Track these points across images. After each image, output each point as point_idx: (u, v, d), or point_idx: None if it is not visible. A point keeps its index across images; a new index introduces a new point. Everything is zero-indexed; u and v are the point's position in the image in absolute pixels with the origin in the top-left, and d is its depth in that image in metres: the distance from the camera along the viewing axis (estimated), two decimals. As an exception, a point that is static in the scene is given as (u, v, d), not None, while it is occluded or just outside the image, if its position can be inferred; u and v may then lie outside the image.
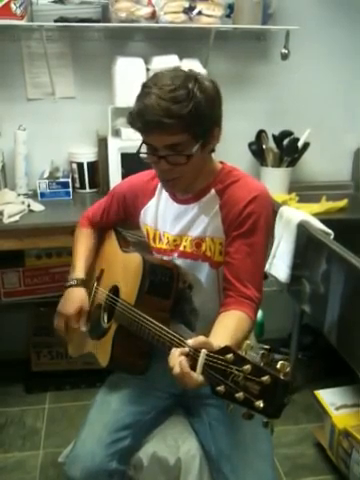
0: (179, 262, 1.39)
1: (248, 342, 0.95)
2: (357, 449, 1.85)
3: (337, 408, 2.02)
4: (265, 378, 0.87)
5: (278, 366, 0.88)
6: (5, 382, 2.50)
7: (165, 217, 1.43)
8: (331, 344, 1.83)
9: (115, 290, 1.46)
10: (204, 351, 0.99)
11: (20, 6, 2.08)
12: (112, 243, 1.58)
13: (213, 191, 1.35)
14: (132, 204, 1.53)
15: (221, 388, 0.93)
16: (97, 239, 1.65)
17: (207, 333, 1.33)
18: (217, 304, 1.36)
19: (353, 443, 1.88)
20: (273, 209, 1.35)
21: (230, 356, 0.93)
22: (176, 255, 1.40)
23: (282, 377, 0.87)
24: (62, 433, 2.21)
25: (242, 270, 1.29)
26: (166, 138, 1.21)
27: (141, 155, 1.29)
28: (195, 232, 1.37)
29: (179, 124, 1.18)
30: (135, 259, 1.38)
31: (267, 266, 2.12)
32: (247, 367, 0.90)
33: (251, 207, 1.28)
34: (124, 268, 1.44)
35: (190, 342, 1.04)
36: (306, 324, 2.50)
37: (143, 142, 1.27)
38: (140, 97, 1.23)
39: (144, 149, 1.28)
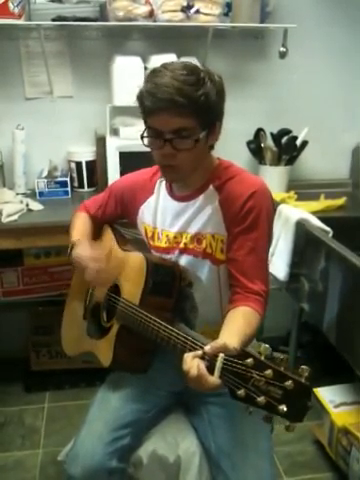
0: (180, 259, 1.39)
1: (266, 346, 0.95)
2: (356, 446, 1.86)
3: (336, 406, 2.03)
4: (288, 383, 0.88)
5: (299, 370, 0.90)
6: (4, 381, 2.50)
7: (164, 215, 1.43)
8: (330, 342, 1.83)
9: (115, 289, 1.45)
10: (222, 355, 0.99)
11: (18, 5, 2.08)
12: (109, 240, 1.57)
13: (211, 187, 1.35)
14: (130, 201, 1.52)
15: (241, 392, 0.93)
16: (94, 226, 1.63)
17: (206, 330, 1.34)
18: (217, 302, 1.36)
19: (352, 440, 1.88)
20: (273, 202, 1.35)
21: (250, 361, 0.93)
22: (177, 252, 1.39)
23: (304, 381, 0.89)
24: (61, 432, 2.21)
25: (247, 266, 1.29)
26: (174, 120, 1.20)
27: (144, 139, 1.28)
28: (194, 229, 1.36)
29: (189, 105, 1.18)
30: (138, 259, 1.38)
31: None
32: (269, 372, 0.90)
33: (251, 202, 1.28)
34: (125, 267, 1.44)
35: (207, 348, 1.03)
36: (305, 322, 2.51)
37: (147, 127, 1.26)
38: (151, 78, 1.23)
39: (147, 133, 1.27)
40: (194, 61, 2.23)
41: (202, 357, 1.03)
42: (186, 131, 1.22)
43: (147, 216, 1.47)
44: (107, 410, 1.41)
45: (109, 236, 1.59)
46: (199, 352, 1.04)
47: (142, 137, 1.28)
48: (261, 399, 0.90)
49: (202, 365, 1.02)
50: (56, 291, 2.47)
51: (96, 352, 1.47)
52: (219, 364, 0.98)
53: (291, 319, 2.52)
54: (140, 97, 1.24)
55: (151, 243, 1.46)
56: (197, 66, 1.25)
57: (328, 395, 2.08)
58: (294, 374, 0.89)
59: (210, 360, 1.01)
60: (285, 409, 0.88)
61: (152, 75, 1.23)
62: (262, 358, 0.93)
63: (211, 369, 1.00)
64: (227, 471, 1.29)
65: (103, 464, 1.32)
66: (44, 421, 2.34)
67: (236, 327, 1.17)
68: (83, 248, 1.47)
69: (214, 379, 1.00)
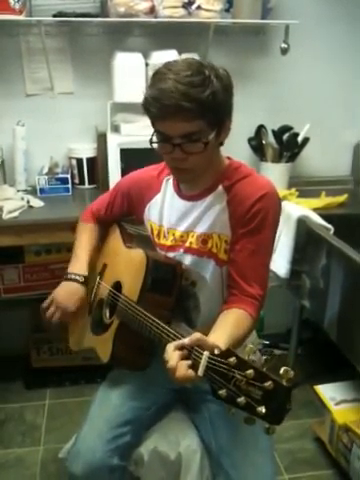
0: (184, 258, 1.38)
1: (251, 346, 0.94)
2: (357, 444, 1.86)
3: (337, 403, 2.03)
4: (267, 383, 0.87)
5: (281, 372, 0.88)
6: (5, 378, 2.50)
7: (171, 213, 1.41)
8: (331, 339, 1.83)
9: (117, 286, 1.45)
10: (206, 353, 0.98)
11: (18, 1, 2.07)
12: (116, 238, 1.57)
13: (220, 187, 1.33)
14: (137, 199, 1.51)
15: (223, 392, 0.92)
16: (100, 234, 1.63)
17: (207, 330, 1.34)
18: (220, 302, 1.35)
19: (353, 438, 1.88)
20: (281, 206, 1.33)
21: (233, 360, 0.92)
22: (182, 251, 1.38)
23: (284, 383, 0.87)
24: (62, 429, 2.21)
25: (247, 268, 1.28)
26: (182, 125, 1.18)
27: (153, 144, 1.25)
28: (202, 228, 1.35)
29: (197, 109, 1.16)
30: (138, 255, 1.37)
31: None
32: (250, 372, 0.89)
33: (259, 205, 1.27)
34: (127, 264, 1.44)
35: (186, 341, 1.04)
36: (306, 319, 2.51)
37: (155, 131, 1.24)
38: (155, 83, 1.20)
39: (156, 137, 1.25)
40: (195, 57, 2.24)
41: (181, 348, 1.04)
42: (195, 135, 1.19)
43: (153, 214, 1.46)
44: (107, 408, 1.41)
45: (116, 234, 1.59)
46: (180, 342, 1.04)
47: (151, 142, 1.25)
48: (241, 400, 0.89)
49: (181, 358, 1.02)
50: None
51: (96, 348, 1.47)
52: (203, 362, 0.98)
53: (292, 316, 2.52)
54: (145, 104, 1.22)
55: (156, 241, 1.45)
56: (201, 63, 1.22)
57: (329, 392, 2.07)
58: (275, 375, 0.87)
59: (195, 357, 1.01)
60: (264, 411, 0.87)
61: (155, 79, 1.20)
62: (245, 357, 0.92)
63: (195, 366, 0.99)
64: (228, 469, 1.29)
65: (104, 461, 1.32)
66: (45, 418, 2.34)
67: (225, 328, 1.17)
68: (70, 296, 1.52)
69: (195, 374, 0.99)
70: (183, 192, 1.40)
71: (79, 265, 1.55)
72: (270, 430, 0.89)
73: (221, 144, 1.32)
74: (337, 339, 1.79)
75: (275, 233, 1.32)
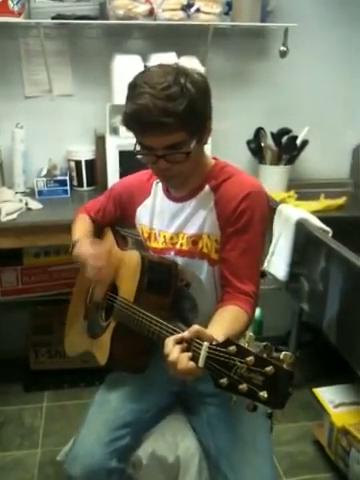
0: (176, 260, 1.38)
1: (250, 334, 0.94)
2: (356, 447, 1.85)
3: (336, 406, 2.02)
4: (269, 368, 0.87)
5: (281, 356, 0.89)
6: (4, 381, 2.50)
7: (161, 216, 1.43)
8: (330, 342, 1.82)
9: (113, 289, 1.45)
10: (206, 344, 0.98)
11: (17, 3, 2.07)
12: (109, 241, 1.58)
13: (207, 187, 1.35)
14: (128, 203, 1.53)
15: (224, 381, 0.93)
16: (95, 227, 1.63)
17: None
18: (214, 301, 1.36)
19: (352, 441, 1.88)
20: (268, 204, 1.35)
21: (233, 348, 0.93)
22: (173, 253, 1.39)
23: (285, 367, 0.87)
24: (61, 432, 2.21)
25: (239, 266, 1.29)
26: (164, 138, 1.20)
27: (138, 156, 1.28)
28: (191, 229, 1.36)
29: (177, 122, 1.17)
30: (133, 257, 1.38)
31: (266, 264, 2.12)
32: (250, 358, 0.90)
33: (245, 204, 1.28)
34: (122, 266, 1.44)
35: (185, 334, 1.04)
36: (305, 322, 2.50)
37: (138, 142, 1.26)
38: (132, 97, 1.21)
39: (139, 148, 1.27)
40: (194, 60, 2.25)
41: (181, 342, 1.04)
42: (178, 145, 1.22)
43: (144, 217, 1.48)
44: (106, 410, 1.40)
45: (109, 238, 1.59)
46: (179, 336, 1.04)
47: (135, 153, 1.28)
48: (243, 386, 0.90)
49: (182, 351, 1.02)
50: (56, 290, 2.47)
51: (94, 351, 1.47)
52: (203, 353, 0.98)
53: (291, 319, 2.52)
54: (125, 120, 1.24)
55: (148, 244, 1.47)
56: (177, 70, 1.21)
57: (328, 395, 2.07)
58: (275, 360, 0.88)
59: (195, 349, 1.01)
60: (266, 395, 0.87)
61: (133, 93, 1.22)
62: (245, 345, 0.92)
63: (196, 358, 1.00)
64: (226, 472, 1.29)
65: (103, 464, 1.32)
66: (43, 421, 2.33)
67: (222, 324, 1.17)
68: (84, 246, 1.47)
69: (197, 366, 0.99)
70: (172, 194, 1.42)
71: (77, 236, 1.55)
72: (272, 415, 0.89)
73: (205, 142, 1.33)
74: (336, 342, 1.79)
75: (264, 230, 1.33)
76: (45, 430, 2.27)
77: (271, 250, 2.11)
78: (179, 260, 1.38)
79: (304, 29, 2.35)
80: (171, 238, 1.40)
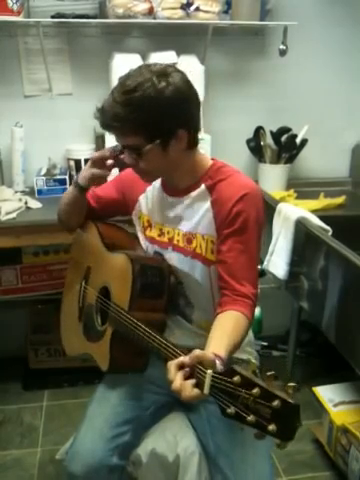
0: (171, 257, 1.39)
1: (254, 361, 0.94)
2: (355, 446, 1.85)
3: (335, 405, 2.02)
4: (275, 403, 0.86)
5: (286, 388, 0.88)
6: (3, 380, 2.50)
7: (158, 207, 1.44)
8: (329, 341, 1.83)
9: (105, 291, 1.44)
10: (210, 372, 0.98)
11: (16, 2, 2.07)
12: (94, 237, 1.55)
13: (203, 186, 1.35)
14: (129, 191, 1.52)
15: (231, 410, 0.92)
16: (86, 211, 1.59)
17: (203, 325, 1.36)
18: (210, 300, 1.37)
19: (351, 440, 1.88)
20: (264, 205, 1.35)
21: (237, 378, 0.92)
22: (171, 248, 1.40)
23: (291, 401, 0.86)
24: (60, 430, 2.21)
25: (236, 268, 1.28)
26: (120, 138, 1.28)
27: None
28: (186, 227, 1.37)
29: (127, 127, 1.22)
30: (123, 261, 1.36)
31: (265, 263, 2.12)
32: (256, 390, 0.89)
33: (240, 205, 1.28)
34: (112, 269, 1.43)
35: (186, 360, 1.03)
36: (304, 321, 2.51)
37: None
38: (105, 99, 1.27)
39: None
40: (193, 59, 2.26)
41: (182, 366, 1.03)
42: (132, 147, 1.26)
43: (144, 206, 1.49)
44: (107, 407, 1.40)
45: (94, 233, 1.56)
46: (180, 360, 1.04)
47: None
48: (251, 418, 0.89)
49: (185, 377, 1.02)
50: (55, 289, 2.46)
51: (94, 355, 1.46)
52: (208, 381, 0.97)
53: (290, 318, 2.52)
54: (95, 114, 1.29)
55: (146, 233, 1.47)
56: (152, 75, 1.21)
57: (327, 394, 2.07)
58: (282, 392, 0.87)
59: (199, 376, 1.00)
60: (275, 429, 0.87)
61: (108, 96, 1.26)
62: (248, 375, 0.92)
63: (200, 385, 0.99)
64: (225, 470, 1.29)
65: (104, 461, 1.32)
66: (42, 419, 2.33)
67: (223, 335, 1.16)
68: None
69: (201, 392, 0.99)
70: (168, 187, 1.42)
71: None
72: (281, 446, 0.89)
73: (191, 148, 1.32)
74: (335, 341, 1.79)
75: (260, 231, 1.34)
76: (44, 429, 2.27)
77: (270, 249, 2.11)
78: (174, 257, 1.38)
79: (303, 27, 2.35)
80: (168, 232, 1.41)
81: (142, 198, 1.49)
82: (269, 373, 0.90)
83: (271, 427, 0.87)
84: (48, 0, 2.20)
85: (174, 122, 1.25)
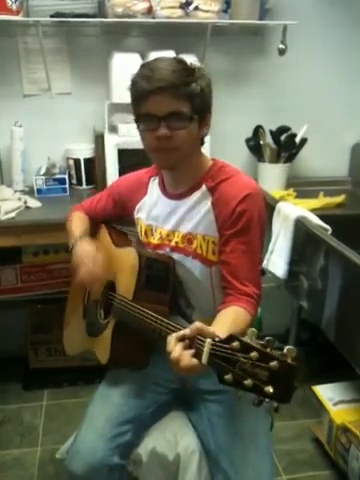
0: (173, 256, 1.39)
1: (253, 329, 0.94)
2: (355, 444, 1.86)
3: (335, 403, 2.03)
4: (273, 364, 0.88)
5: (285, 351, 0.89)
6: (3, 379, 2.50)
7: (157, 212, 1.43)
8: (329, 340, 1.83)
9: (111, 286, 1.45)
10: (209, 340, 0.99)
11: (16, 1, 2.06)
12: (104, 238, 1.57)
13: (204, 187, 1.35)
14: (126, 201, 1.53)
15: (229, 376, 0.93)
16: (90, 225, 1.62)
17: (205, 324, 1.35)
18: (211, 301, 1.37)
19: (351, 438, 1.88)
20: (265, 205, 1.36)
21: (236, 344, 0.93)
22: (168, 250, 1.40)
23: (289, 361, 0.88)
24: (60, 430, 2.21)
25: (239, 269, 1.29)
26: (170, 102, 1.22)
27: (138, 125, 1.31)
28: (186, 228, 1.37)
29: (186, 90, 1.22)
30: (130, 254, 1.38)
31: (265, 262, 2.12)
32: (254, 354, 0.90)
33: (243, 206, 1.28)
34: (119, 263, 1.44)
35: (187, 331, 1.04)
36: (304, 320, 2.51)
37: (139, 114, 1.29)
38: (145, 65, 1.27)
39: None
40: (193, 58, 2.25)
41: (183, 339, 1.04)
42: (181, 114, 1.24)
43: (142, 214, 1.48)
44: (108, 406, 1.41)
45: (104, 235, 1.59)
46: (181, 333, 1.04)
47: (137, 122, 1.30)
48: (248, 382, 0.90)
49: (184, 348, 1.02)
50: (55, 289, 2.46)
51: (94, 350, 1.47)
52: (207, 349, 0.98)
53: (290, 317, 2.52)
54: (134, 82, 1.27)
55: (145, 240, 1.47)
56: (187, 63, 1.28)
57: (327, 393, 2.07)
58: (280, 355, 0.89)
59: (198, 346, 1.01)
60: (271, 390, 0.88)
61: (145, 64, 1.28)
62: (248, 341, 0.93)
63: (199, 354, 1.00)
64: (226, 469, 1.29)
65: (105, 460, 1.32)
66: (42, 419, 2.33)
67: (224, 324, 1.17)
68: (81, 246, 1.47)
69: (200, 363, 0.99)
70: (168, 191, 1.42)
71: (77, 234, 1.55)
72: (278, 409, 0.89)
73: (202, 143, 1.35)
74: (335, 340, 1.79)
75: (262, 231, 1.34)
76: (45, 428, 2.27)
77: (270, 248, 2.11)
78: (175, 256, 1.39)
79: (303, 27, 2.34)
80: (167, 235, 1.41)
81: (139, 207, 1.49)
82: (269, 338, 0.91)
83: (267, 388, 0.88)
84: (47, -1, 2.21)
85: (209, 103, 1.31)
